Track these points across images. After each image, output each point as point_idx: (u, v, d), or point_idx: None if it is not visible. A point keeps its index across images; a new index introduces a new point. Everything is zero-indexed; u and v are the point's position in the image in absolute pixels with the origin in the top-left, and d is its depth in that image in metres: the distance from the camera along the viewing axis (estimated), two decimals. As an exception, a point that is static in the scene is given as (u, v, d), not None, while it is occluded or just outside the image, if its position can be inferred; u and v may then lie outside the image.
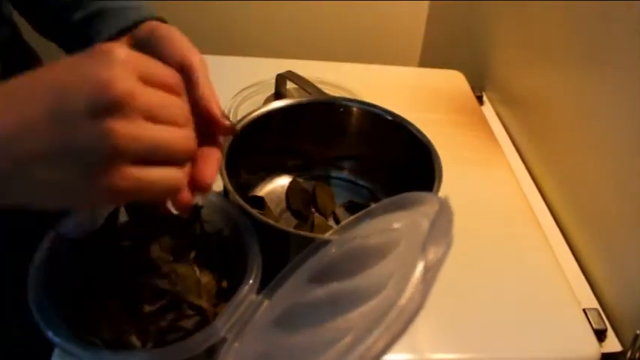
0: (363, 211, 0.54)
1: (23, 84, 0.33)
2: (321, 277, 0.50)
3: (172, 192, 0.38)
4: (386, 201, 0.52)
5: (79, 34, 0.59)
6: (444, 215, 0.39)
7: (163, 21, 0.57)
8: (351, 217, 0.54)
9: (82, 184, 0.33)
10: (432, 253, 0.37)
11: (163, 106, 0.34)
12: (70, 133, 0.31)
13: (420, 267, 0.39)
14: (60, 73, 0.33)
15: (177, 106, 0.36)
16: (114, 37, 0.55)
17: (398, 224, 0.48)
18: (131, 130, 0.32)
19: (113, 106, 0.31)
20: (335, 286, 0.48)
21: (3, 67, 0.61)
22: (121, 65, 0.32)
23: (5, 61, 0.61)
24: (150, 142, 0.33)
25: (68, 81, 0.32)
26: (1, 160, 0.32)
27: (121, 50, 0.33)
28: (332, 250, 0.52)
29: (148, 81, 0.34)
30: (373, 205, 0.54)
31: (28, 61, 0.71)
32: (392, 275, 0.42)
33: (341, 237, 0.53)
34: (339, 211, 0.72)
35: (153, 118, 0.33)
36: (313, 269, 0.51)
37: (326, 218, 0.71)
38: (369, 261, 0.48)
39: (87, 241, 0.54)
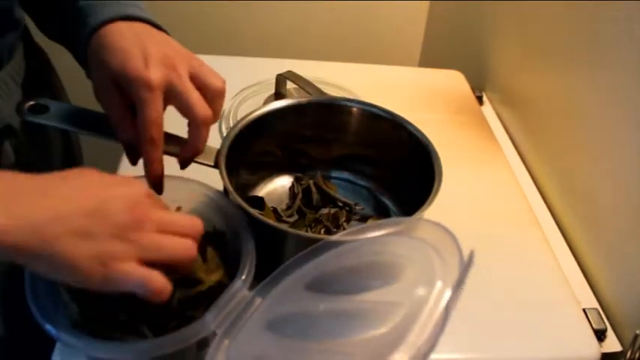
0: (363, 226, 0.53)
1: (58, 184, 0.42)
2: (319, 286, 0.49)
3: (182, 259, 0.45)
4: (388, 220, 0.51)
5: (72, 23, 0.58)
6: (467, 265, 0.39)
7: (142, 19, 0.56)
8: (349, 230, 0.53)
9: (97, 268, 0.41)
10: (449, 296, 0.38)
11: (172, 223, 0.45)
12: (100, 235, 0.41)
13: (433, 306, 0.39)
14: (98, 189, 0.43)
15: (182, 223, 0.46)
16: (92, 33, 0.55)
17: (403, 250, 0.48)
18: (146, 240, 0.43)
19: (136, 223, 0.42)
20: (336, 303, 0.47)
21: (14, 67, 0.64)
22: (144, 196, 0.44)
23: (16, 61, 0.64)
24: (156, 249, 0.43)
25: (107, 196, 0.42)
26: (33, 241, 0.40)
27: (142, 186, 0.45)
28: (330, 260, 0.51)
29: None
30: (374, 222, 0.53)
31: (37, 60, 0.72)
32: (400, 306, 0.42)
33: (341, 248, 0.52)
34: (340, 213, 0.72)
35: (163, 231, 0.44)
36: (310, 276, 0.50)
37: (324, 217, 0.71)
38: (371, 282, 0.47)
39: None
